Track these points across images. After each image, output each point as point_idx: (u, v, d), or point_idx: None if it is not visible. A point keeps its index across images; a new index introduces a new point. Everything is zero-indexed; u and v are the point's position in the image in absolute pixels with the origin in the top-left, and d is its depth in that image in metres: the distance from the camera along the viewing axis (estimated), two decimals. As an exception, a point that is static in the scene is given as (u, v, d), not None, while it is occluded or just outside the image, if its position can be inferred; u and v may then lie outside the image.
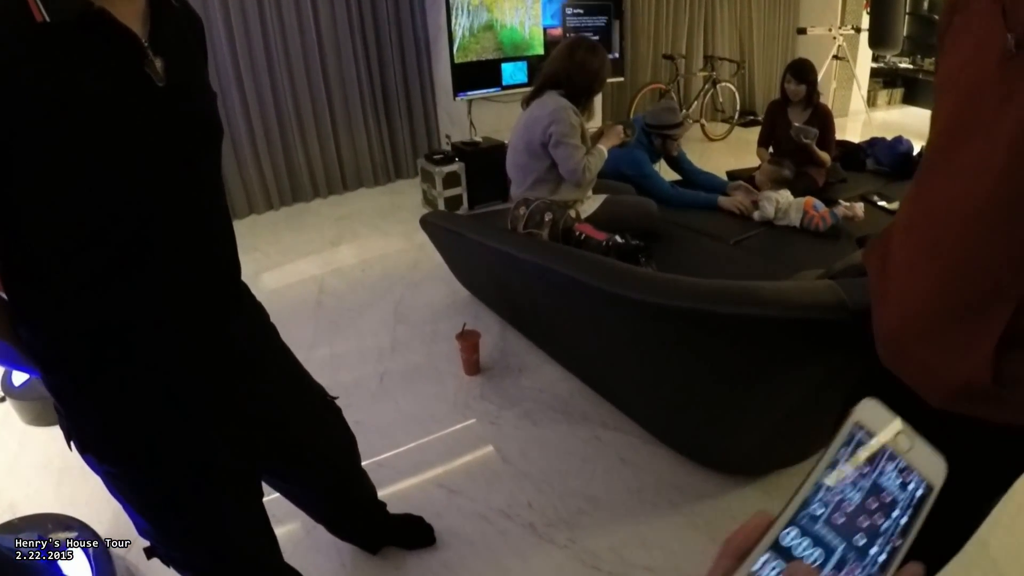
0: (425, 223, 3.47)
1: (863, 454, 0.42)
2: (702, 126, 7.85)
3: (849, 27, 7.77)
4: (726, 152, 7.02)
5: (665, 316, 1.85)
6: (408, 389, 2.94)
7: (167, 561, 1.31)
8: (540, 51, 5.72)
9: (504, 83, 5.58)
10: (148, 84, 0.96)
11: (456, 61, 5.24)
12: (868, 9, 7.52)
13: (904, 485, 0.42)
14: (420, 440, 2.60)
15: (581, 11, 5.95)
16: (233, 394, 1.27)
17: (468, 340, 2.95)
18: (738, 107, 8.08)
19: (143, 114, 0.96)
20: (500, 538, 2.15)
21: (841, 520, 0.40)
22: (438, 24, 5.48)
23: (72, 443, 1.14)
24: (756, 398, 1.98)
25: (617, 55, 6.30)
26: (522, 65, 5.63)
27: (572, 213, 2.82)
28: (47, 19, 0.85)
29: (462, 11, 5.17)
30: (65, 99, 0.87)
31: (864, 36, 7.48)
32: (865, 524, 0.40)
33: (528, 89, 3.24)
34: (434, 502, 2.31)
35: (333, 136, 5.61)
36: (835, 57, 7.84)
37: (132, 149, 0.96)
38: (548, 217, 2.68)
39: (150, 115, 0.97)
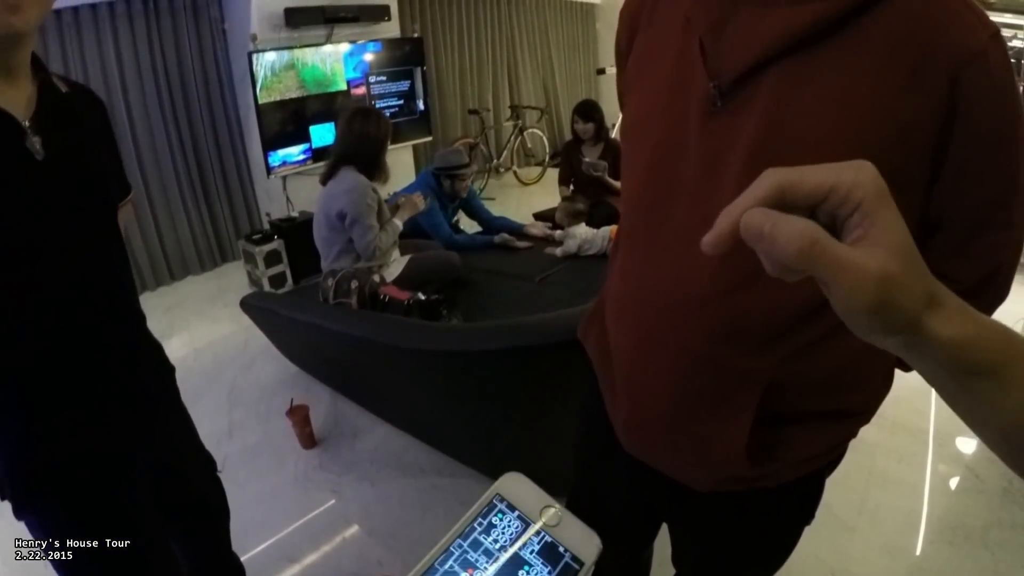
0: (245, 305, 3.51)
1: (502, 525, 0.41)
2: (515, 173, 8.22)
3: (643, 63, 8.35)
4: (541, 194, 7.38)
5: (454, 361, 2.03)
6: (249, 470, 2.95)
7: None
8: (343, 86, 5.77)
9: (314, 145, 5.60)
10: (29, 158, 1.12)
11: (260, 102, 5.19)
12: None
13: (551, 560, 0.40)
14: (265, 518, 2.61)
15: (384, 77, 6.11)
16: (139, 440, 1.40)
17: (297, 414, 3.01)
18: (548, 150, 8.51)
19: (25, 182, 1.12)
20: (353, 601, 2.22)
21: None
22: (247, 103, 5.49)
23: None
24: (559, 418, 2.16)
25: (423, 108, 6.52)
26: (330, 126, 5.65)
27: (376, 278, 2.96)
28: None
29: (263, 55, 5.18)
30: None
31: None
32: None
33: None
34: (283, 577, 2.35)
35: (155, 226, 5.46)
36: (633, 91, 8.38)
37: (16, 211, 1.11)
38: (354, 285, 2.81)
39: (31, 183, 1.13)
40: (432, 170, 4.04)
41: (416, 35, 6.64)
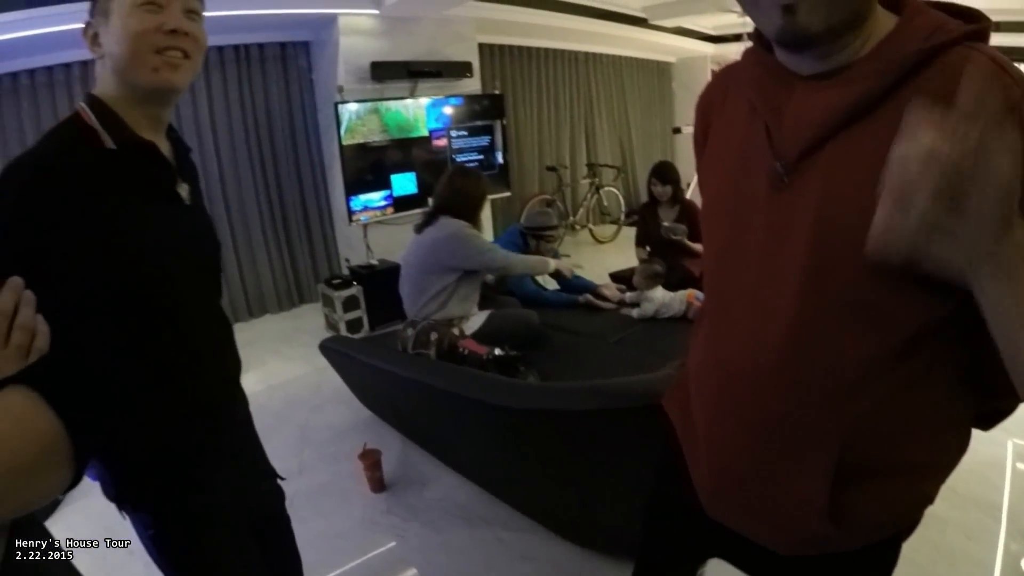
0: (324, 348, 3.61)
1: None
2: (591, 231, 8.29)
3: (720, 123, 8.40)
4: (615, 253, 7.41)
5: (532, 418, 2.07)
6: (316, 509, 2.99)
7: None
8: (424, 133, 5.92)
9: (395, 193, 5.74)
10: (180, 202, 1.25)
11: (344, 143, 5.35)
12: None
13: None
14: (327, 556, 2.63)
15: (465, 132, 6.26)
16: (238, 456, 1.46)
17: (369, 458, 3.05)
18: (623, 208, 8.57)
19: (178, 225, 1.24)
20: (410, 649, 2.22)
21: None
22: (332, 151, 5.72)
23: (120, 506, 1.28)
24: (630, 480, 2.14)
25: (502, 162, 6.64)
26: (411, 176, 5.82)
27: (456, 331, 3.03)
28: (113, 146, 1.11)
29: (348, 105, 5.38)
30: (126, 206, 1.11)
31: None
32: None
33: (419, 211, 3.48)
34: (343, 620, 2.36)
35: (237, 265, 5.69)
36: (709, 152, 8.42)
37: (175, 243, 1.21)
38: (434, 337, 2.88)
39: (182, 226, 1.25)
40: (521, 228, 4.13)
41: (497, 91, 6.81)
